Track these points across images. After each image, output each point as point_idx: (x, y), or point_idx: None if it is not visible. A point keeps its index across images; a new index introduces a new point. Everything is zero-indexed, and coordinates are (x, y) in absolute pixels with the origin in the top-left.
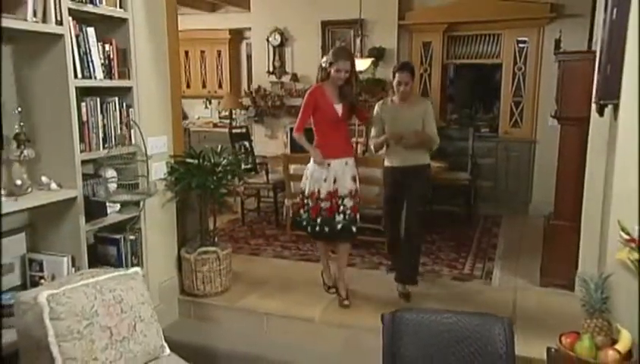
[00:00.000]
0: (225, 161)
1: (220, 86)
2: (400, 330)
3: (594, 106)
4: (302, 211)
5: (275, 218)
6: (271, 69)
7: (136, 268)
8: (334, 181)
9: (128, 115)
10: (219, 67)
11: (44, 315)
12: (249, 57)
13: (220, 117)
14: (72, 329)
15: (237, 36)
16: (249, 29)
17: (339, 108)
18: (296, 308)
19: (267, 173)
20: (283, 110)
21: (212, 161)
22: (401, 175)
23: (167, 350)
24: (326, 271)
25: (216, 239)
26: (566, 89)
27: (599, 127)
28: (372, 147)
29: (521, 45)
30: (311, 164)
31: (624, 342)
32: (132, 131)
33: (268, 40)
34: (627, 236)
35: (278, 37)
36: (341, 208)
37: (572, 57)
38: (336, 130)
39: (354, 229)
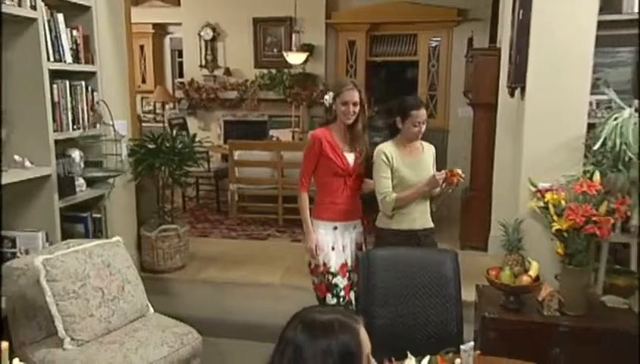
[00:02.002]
0: (181, 144)
1: (144, 81)
2: (373, 264)
3: (505, 90)
4: (329, 295)
5: (217, 204)
6: (203, 63)
7: (118, 237)
8: (343, 249)
9: (93, 98)
10: (142, 62)
11: (40, 278)
12: (173, 51)
13: (143, 112)
14: (68, 289)
15: (161, 30)
16: (178, 24)
17: (350, 157)
18: (255, 276)
19: (208, 161)
20: (217, 103)
21: (171, 144)
22: (414, 242)
23: (152, 309)
24: None
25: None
26: (478, 80)
27: (506, 109)
28: (392, 204)
29: (433, 45)
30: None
31: (534, 270)
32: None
33: (199, 35)
34: (534, 189)
35: (210, 32)
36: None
37: (483, 53)
38: (344, 184)
39: None
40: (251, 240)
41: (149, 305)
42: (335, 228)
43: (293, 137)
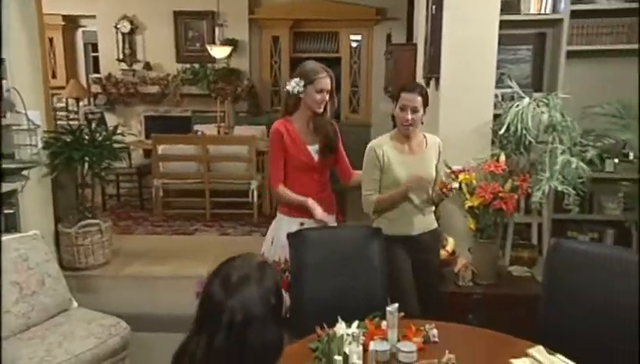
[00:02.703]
0: (101, 137)
1: (54, 76)
2: (303, 244)
3: (422, 81)
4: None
5: (140, 201)
6: (121, 57)
7: (36, 230)
8: None
9: (2, 86)
10: (51, 56)
11: None
12: (87, 45)
13: (55, 109)
14: None
15: (72, 23)
16: (91, 16)
17: (314, 149)
18: (183, 269)
19: (129, 156)
20: (137, 98)
21: (90, 137)
22: (413, 247)
23: (75, 303)
24: None
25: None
26: (397, 74)
27: None
28: (372, 206)
29: (355, 42)
30: (276, 222)
31: (450, 245)
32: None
33: (116, 28)
34: (449, 170)
35: (128, 25)
36: None
37: (401, 48)
38: (311, 180)
39: None
40: (177, 235)
41: (72, 299)
42: (302, 224)
43: (219, 132)
